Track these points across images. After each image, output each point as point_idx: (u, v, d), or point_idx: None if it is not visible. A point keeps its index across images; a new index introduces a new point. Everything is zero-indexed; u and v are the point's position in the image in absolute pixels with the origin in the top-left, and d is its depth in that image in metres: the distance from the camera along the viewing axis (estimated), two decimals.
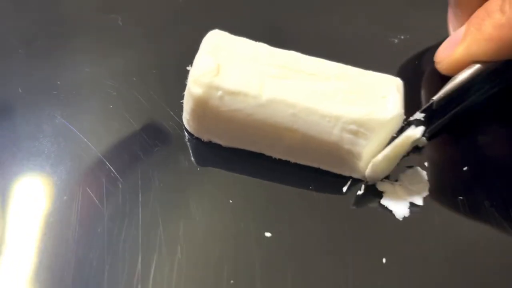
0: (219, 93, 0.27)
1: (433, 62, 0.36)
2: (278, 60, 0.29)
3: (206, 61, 0.28)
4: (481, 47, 0.30)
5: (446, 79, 0.33)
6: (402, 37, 0.37)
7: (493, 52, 0.30)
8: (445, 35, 0.37)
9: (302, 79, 0.28)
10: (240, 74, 0.28)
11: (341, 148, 0.28)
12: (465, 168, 0.30)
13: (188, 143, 0.30)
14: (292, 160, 0.29)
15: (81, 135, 0.30)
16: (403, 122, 0.29)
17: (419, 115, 0.30)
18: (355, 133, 0.27)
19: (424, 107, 0.30)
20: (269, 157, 0.29)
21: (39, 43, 0.34)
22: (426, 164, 0.30)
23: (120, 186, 0.28)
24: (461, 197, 0.29)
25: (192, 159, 0.29)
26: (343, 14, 0.39)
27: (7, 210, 0.27)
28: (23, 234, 0.26)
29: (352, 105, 0.27)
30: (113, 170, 0.29)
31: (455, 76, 0.31)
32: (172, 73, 0.33)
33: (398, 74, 0.34)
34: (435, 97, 0.30)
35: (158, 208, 0.27)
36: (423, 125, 0.29)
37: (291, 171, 0.29)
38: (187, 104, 0.29)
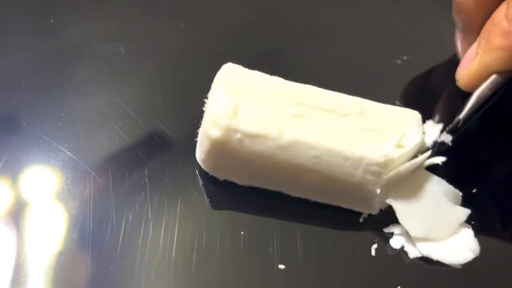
0: (238, 135, 0.27)
1: (436, 82, 0.37)
2: (296, 97, 0.28)
3: (224, 101, 0.27)
4: (493, 57, 0.30)
5: (448, 98, 0.34)
6: (404, 58, 0.37)
7: (505, 60, 0.30)
8: (446, 54, 0.38)
9: (322, 117, 0.28)
10: (259, 115, 0.27)
11: (363, 188, 0.27)
12: (474, 190, 0.30)
13: (199, 179, 0.30)
14: (312, 199, 0.29)
15: (88, 169, 0.30)
16: (430, 145, 0.29)
17: (447, 137, 0.30)
18: (378, 174, 0.27)
19: (450, 126, 0.30)
20: (284, 194, 0.29)
21: (41, 74, 0.34)
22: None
23: (130, 218, 0.28)
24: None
25: (205, 194, 0.29)
26: (345, 38, 0.39)
27: (21, 247, 0.26)
28: (34, 272, 0.26)
29: (374, 144, 0.27)
30: (122, 202, 0.28)
31: (475, 91, 0.31)
32: (178, 101, 0.33)
33: (402, 95, 0.35)
34: (461, 115, 0.30)
35: (169, 241, 0.27)
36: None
37: (305, 206, 0.29)
38: (203, 144, 0.28)
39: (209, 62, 0.35)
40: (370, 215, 0.29)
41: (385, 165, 0.27)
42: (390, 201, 0.28)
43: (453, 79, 0.36)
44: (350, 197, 0.28)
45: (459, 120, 0.30)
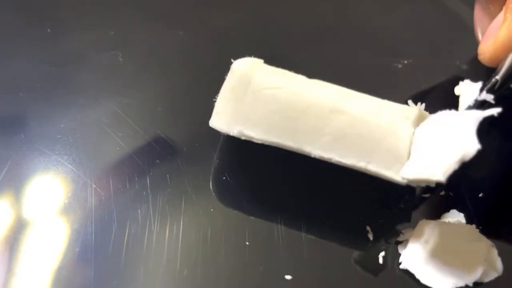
0: (264, 71, 0.27)
1: (438, 86, 0.36)
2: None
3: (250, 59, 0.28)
4: None
5: (450, 99, 0.33)
6: (405, 62, 0.37)
7: None
8: (448, 58, 0.37)
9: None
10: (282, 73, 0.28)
11: (392, 133, 0.25)
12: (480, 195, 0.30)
13: (203, 188, 0.29)
14: (335, 157, 0.26)
15: (89, 181, 0.29)
16: (472, 102, 0.28)
17: (488, 96, 0.27)
18: (408, 118, 0.26)
19: (489, 86, 0.28)
20: (292, 196, 0.29)
21: (39, 85, 0.33)
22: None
23: (132, 231, 0.27)
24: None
25: (208, 204, 0.29)
26: (346, 42, 0.38)
27: (21, 262, 0.26)
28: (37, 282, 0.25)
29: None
30: (123, 218, 0.28)
31: (507, 59, 0.28)
32: (178, 110, 0.33)
33: (403, 99, 0.35)
34: (499, 76, 0.28)
35: (173, 252, 0.27)
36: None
37: (313, 215, 0.29)
38: (226, 86, 0.27)
39: (208, 69, 0.35)
40: (376, 230, 0.28)
41: (414, 112, 0.26)
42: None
43: (455, 83, 0.36)
44: (378, 146, 0.25)
45: (497, 80, 0.28)
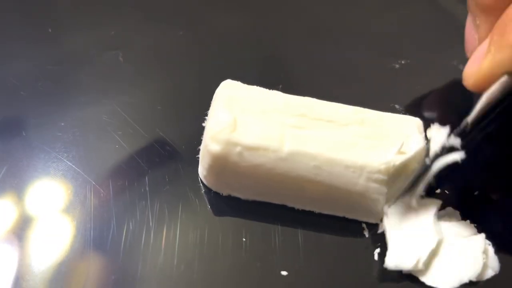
0: (238, 149, 0.26)
1: (435, 86, 0.37)
2: (295, 109, 0.28)
3: (223, 116, 0.27)
4: (507, 55, 0.27)
5: (448, 101, 0.34)
6: (403, 62, 0.37)
7: None
8: (444, 58, 0.38)
9: (322, 127, 0.28)
10: (258, 127, 0.27)
11: (366, 197, 0.27)
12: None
13: (200, 186, 0.30)
14: (316, 210, 0.29)
15: (88, 178, 0.29)
16: (439, 149, 0.28)
17: (455, 141, 0.27)
18: (381, 181, 0.27)
19: (458, 130, 0.28)
20: (286, 206, 0.29)
21: (40, 84, 0.34)
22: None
23: (131, 227, 0.28)
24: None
25: (206, 201, 0.29)
26: (343, 43, 0.39)
27: (22, 257, 0.26)
28: (36, 283, 0.26)
29: (375, 152, 0.27)
30: (122, 213, 0.28)
31: (485, 92, 0.28)
32: (177, 108, 0.33)
33: (401, 99, 0.35)
34: (469, 118, 0.28)
35: (172, 249, 0.27)
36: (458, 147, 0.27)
37: (307, 214, 0.29)
38: (204, 160, 0.28)
39: (208, 69, 0.36)
40: (372, 227, 0.29)
41: (386, 172, 0.27)
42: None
43: (452, 83, 0.36)
44: (353, 207, 0.28)
45: (467, 123, 0.28)
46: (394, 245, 0.27)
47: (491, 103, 0.28)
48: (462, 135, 0.28)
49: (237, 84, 0.30)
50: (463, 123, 0.28)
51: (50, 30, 0.37)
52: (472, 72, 0.29)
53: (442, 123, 0.31)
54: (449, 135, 0.28)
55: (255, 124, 0.27)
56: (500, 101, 0.28)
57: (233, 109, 0.28)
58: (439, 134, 0.29)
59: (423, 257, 0.26)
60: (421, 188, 0.28)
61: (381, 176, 0.27)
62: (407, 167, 0.28)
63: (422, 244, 0.27)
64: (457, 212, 0.29)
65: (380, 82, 0.36)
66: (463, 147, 0.27)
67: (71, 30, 0.37)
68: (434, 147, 0.28)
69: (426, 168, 0.28)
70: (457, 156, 0.27)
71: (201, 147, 0.29)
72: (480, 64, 0.28)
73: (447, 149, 0.28)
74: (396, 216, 0.28)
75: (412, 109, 0.33)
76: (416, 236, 0.27)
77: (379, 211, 0.28)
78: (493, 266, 0.27)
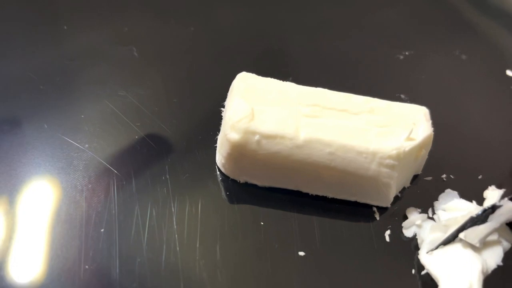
0: (257, 137, 0.28)
1: (438, 75, 0.38)
2: (309, 99, 0.30)
3: (241, 105, 0.28)
4: None
5: (449, 88, 0.35)
6: (407, 53, 0.39)
7: None
8: (447, 48, 0.39)
9: (335, 116, 0.29)
10: (274, 116, 0.28)
11: (378, 181, 0.29)
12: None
13: (218, 174, 0.31)
14: (330, 195, 0.30)
15: (110, 167, 0.31)
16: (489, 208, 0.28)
17: (507, 202, 0.28)
18: (392, 166, 0.28)
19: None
20: (300, 192, 0.30)
21: (58, 79, 0.35)
22: None
23: (154, 214, 0.29)
24: None
25: (225, 188, 0.30)
26: (348, 37, 0.40)
27: (48, 246, 0.28)
28: (64, 268, 0.27)
29: (386, 139, 0.28)
30: (145, 199, 0.29)
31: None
32: (192, 100, 0.34)
33: (406, 89, 0.36)
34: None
35: (193, 234, 0.28)
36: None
37: (322, 198, 0.30)
38: (223, 148, 0.29)
39: (219, 62, 0.37)
40: (382, 211, 0.30)
41: (397, 157, 0.28)
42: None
43: (454, 73, 0.37)
44: (365, 191, 0.29)
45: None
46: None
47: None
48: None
49: (253, 76, 0.31)
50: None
51: (65, 28, 0.38)
52: None
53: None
54: (503, 197, 0.29)
55: (272, 113, 0.29)
56: None
57: (250, 99, 0.29)
58: (493, 194, 0.30)
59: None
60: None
61: (391, 161, 0.28)
62: (416, 153, 0.29)
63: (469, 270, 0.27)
64: (455, 193, 0.31)
65: (386, 72, 0.38)
66: None
67: (86, 27, 0.38)
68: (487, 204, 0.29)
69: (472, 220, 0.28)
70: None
71: (219, 136, 0.30)
72: None
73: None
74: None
75: (417, 98, 0.34)
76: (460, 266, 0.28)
77: (390, 195, 0.30)
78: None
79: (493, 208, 0.28)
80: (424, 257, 0.28)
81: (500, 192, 0.30)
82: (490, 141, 0.35)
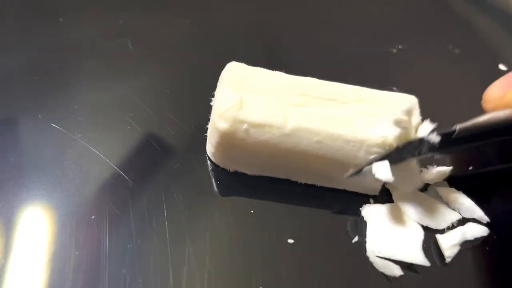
0: (245, 126, 0.28)
1: (431, 70, 0.38)
2: (298, 88, 0.30)
3: (230, 95, 0.29)
4: None
5: (444, 85, 0.35)
6: (400, 47, 0.39)
7: None
8: (440, 43, 0.39)
9: (323, 105, 0.29)
10: (263, 105, 0.29)
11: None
12: None
13: (209, 164, 0.31)
14: (318, 183, 0.30)
15: (103, 157, 0.31)
16: (417, 141, 0.28)
17: (435, 137, 0.28)
18: (378, 155, 0.28)
19: (445, 130, 0.28)
20: (292, 181, 0.31)
21: (52, 70, 0.35)
22: None
23: (145, 203, 0.29)
24: None
25: (215, 178, 0.31)
26: (341, 29, 0.40)
27: (38, 232, 0.28)
28: (56, 254, 0.27)
29: (373, 127, 0.28)
30: (137, 189, 0.30)
31: (492, 112, 0.27)
32: (186, 91, 0.35)
33: (398, 82, 0.37)
34: (460, 126, 0.27)
35: (184, 222, 0.28)
36: (436, 146, 0.28)
37: (312, 187, 0.31)
38: (212, 138, 0.30)
39: (213, 55, 0.37)
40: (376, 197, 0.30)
41: (384, 145, 0.28)
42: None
43: (446, 67, 0.38)
44: (353, 179, 0.29)
45: (456, 129, 0.27)
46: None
47: (491, 125, 0.27)
48: (445, 136, 0.28)
49: (242, 66, 0.31)
50: (452, 128, 0.28)
51: (61, 20, 0.39)
52: (494, 96, 0.29)
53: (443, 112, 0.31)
54: (432, 131, 0.28)
55: (260, 102, 0.29)
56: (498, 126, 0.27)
57: (239, 89, 0.29)
58: (426, 128, 0.29)
59: None
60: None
61: (379, 150, 0.28)
62: (403, 141, 0.29)
63: None
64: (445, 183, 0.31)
65: (379, 66, 0.38)
66: (439, 147, 0.28)
67: (81, 19, 0.39)
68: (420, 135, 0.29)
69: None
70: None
71: (209, 126, 0.31)
72: (506, 92, 0.28)
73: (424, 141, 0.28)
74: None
75: (410, 92, 0.34)
76: None
77: (377, 184, 0.30)
78: None
79: (420, 141, 0.28)
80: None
81: (432, 126, 0.29)
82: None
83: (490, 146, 0.29)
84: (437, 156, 0.29)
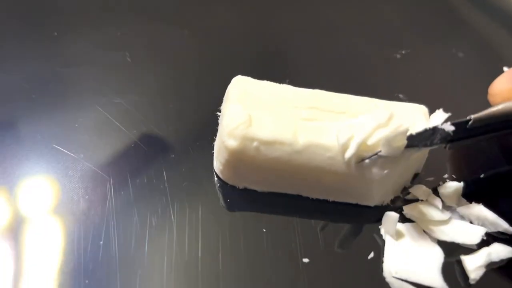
0: (255, 143, 0.27)
1: (436, 74, 0.38)
2: (306, 101, 0.29)
3: (238, 111, 0.28)
4: None
5: (449, 89, 0.35)
6: (404, 52, 0.38)
7: None
8: (444, 47, 0.39)
9: (333, 118, 0.29)
10: (272, 121, 0.28)
11: (380, 183, 0.28)
12: None
13: (216, 180, 0.30)
14: (331, 199, 0.30)
15: (106, 177, 0.30)
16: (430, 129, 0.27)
17: (449, 127, 0.27)
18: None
19: (459, 120, 0.27)
20: (301, 196, 0.30)
21: (51, 86, 0.34)
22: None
23: (154, 224, 0.28)
24: None
25: (224, 195, 0.30)
26: (345, 36, 0.40)
27: (47, 254, 0.27)
28: (65, 275, 0.26)
29: None
30: (145, 209, 0.29)
31: (506, 102, 0.28)
32: (188, 105, 0.34)
33: (404, 88, 0.36)
34: (474, 116, 0.27)
35: (193, 243, 0.28)
36: (449, 136, 0.27)
37: (323, 203, 0.30)
38: (221, 155, 0.29)
39: (215, 66, 0.36)
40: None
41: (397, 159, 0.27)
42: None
43: (451, 71, 0.37)
44: (367, 193, 0.29)
45: (471, 118, 0.27)
46: None
47: (505, 115, 0.27)
48: (458, 126, 0.27)
49: (248, 80, 0.30)
50: (467, 118, 0.27)
51: (55, 34, 0.37)
52: (500, 90, 0.29)
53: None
54: (446, 121, 0.28)
55: (269, 118, 0.28)
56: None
57: (246, 104, 0.28)
58: (438, 117, 0.28)
59: None
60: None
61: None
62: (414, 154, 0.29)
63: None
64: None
65: (383, 72, 0.38)
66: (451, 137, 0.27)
67: (77, 33, 0.38)
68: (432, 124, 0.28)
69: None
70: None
71: (217, 143, 0.30)
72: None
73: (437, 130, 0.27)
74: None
75: (416, 97, 0.34)
76: None
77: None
78: None
79: (434, 130, 0.27)
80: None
81: (446, 115, 0.28)
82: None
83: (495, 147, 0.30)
84: (448, 147, 0.28)
